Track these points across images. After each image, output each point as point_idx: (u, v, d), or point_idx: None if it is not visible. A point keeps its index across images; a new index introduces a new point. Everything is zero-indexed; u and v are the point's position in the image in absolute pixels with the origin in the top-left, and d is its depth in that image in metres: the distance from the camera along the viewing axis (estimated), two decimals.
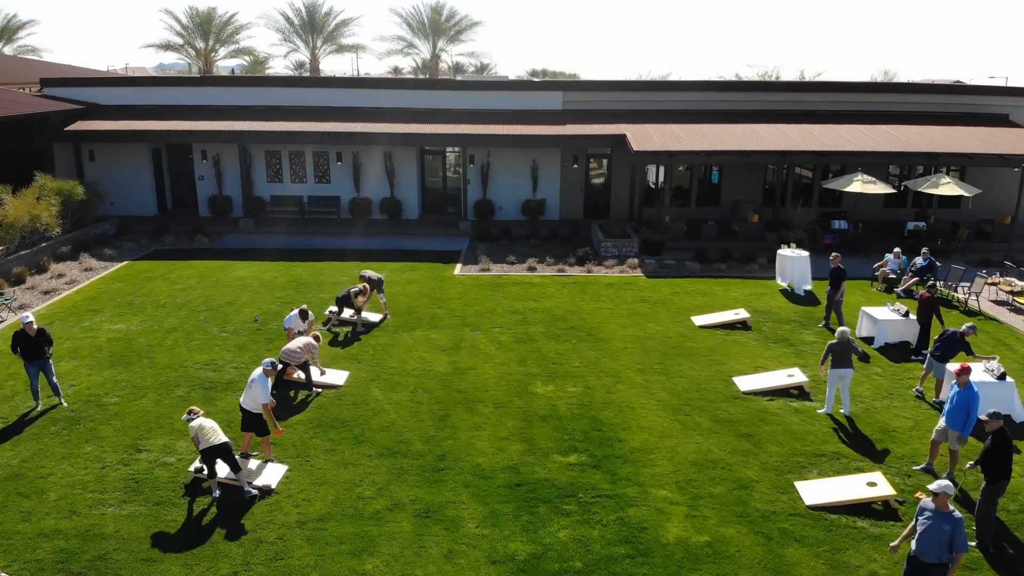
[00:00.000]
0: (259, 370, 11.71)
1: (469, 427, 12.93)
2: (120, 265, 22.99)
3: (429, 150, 29.70)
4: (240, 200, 28.92)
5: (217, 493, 10.99)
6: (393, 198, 29.02)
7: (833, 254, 17.84)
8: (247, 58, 61.84)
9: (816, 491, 11.24)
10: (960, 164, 27.49)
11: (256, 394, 11.57)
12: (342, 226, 27.99)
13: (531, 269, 22.41)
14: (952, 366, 13.67)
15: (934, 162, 26.06)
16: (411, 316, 18.43)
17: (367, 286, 17.73)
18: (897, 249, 21.80)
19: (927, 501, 8.70)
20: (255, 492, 11.02)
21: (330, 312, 17.86)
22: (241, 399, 11.78)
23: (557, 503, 10.83)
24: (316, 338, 14.72)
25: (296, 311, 15.54)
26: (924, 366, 14.63)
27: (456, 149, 29.23)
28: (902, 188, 29.08)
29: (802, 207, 25.48)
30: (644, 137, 25.79)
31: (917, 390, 14.60)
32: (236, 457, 10.99)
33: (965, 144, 25.83)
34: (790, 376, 14.73)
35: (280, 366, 13.49)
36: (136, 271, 22.34)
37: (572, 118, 28.16)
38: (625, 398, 14.13)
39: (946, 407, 11.69)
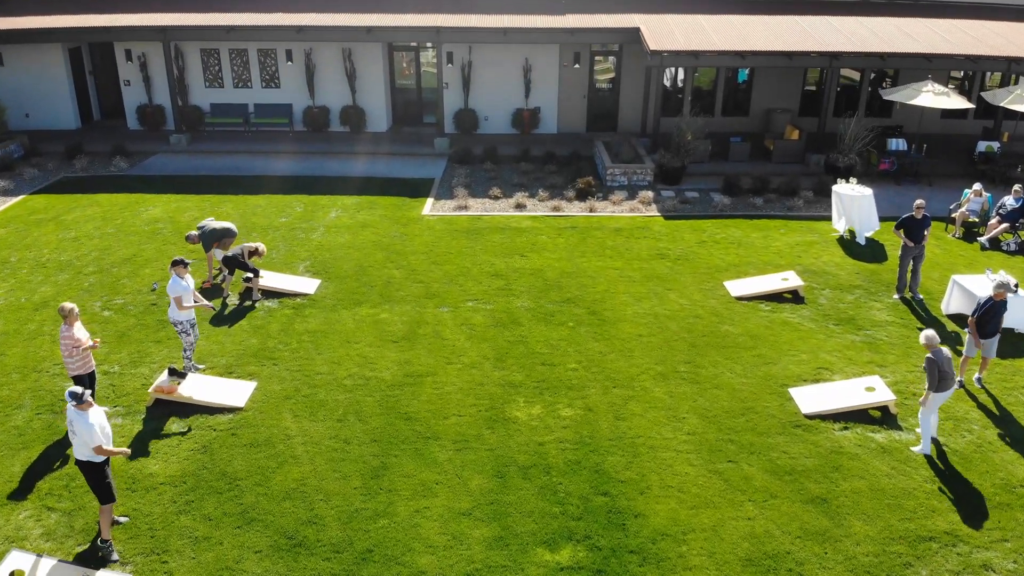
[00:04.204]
0: (70, 405, 7.75)
1: (414, 491, 8.88)
2: (13, 202, 18.44)
3: (399, 46, 24.52)
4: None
5: None
6: (355, 106, 24.05)
7: (918, 201, 13.32)
8: None
9: None
10: None
11: (82, 438, 7.73)
12: (294, 142, 23.20)
13: (519, 207, 17.89)
14: None
15: (1015, 69, 21.07)
16: (358, 282, 14.10)
17: (262, 246, 13.45)
18: (978, 185, 17.13)
19: None
20: None
21: (245, 280, 13.59)
22: (74, 447, 7.87)
23: None
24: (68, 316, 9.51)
25: (172, 274, 10.65)
26: (965, 351, 11.13)
27: (431, 45, 24.06)
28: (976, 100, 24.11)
29: (854, 121, 20.51)
30: (663, 32, 20.67)
31: (959, 380, 11.13)
32: None
33: None
34: (870, 391, 10.59)
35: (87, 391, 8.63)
36: (28, 211, 17.85)
37: (574, 6, 22.86)
38: (641, 428, 10.04)
39: None
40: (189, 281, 10.78)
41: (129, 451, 8.56)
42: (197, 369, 11.13)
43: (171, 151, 22.52)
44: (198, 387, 10.45)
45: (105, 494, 7.96)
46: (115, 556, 7.94)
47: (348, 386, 10.83)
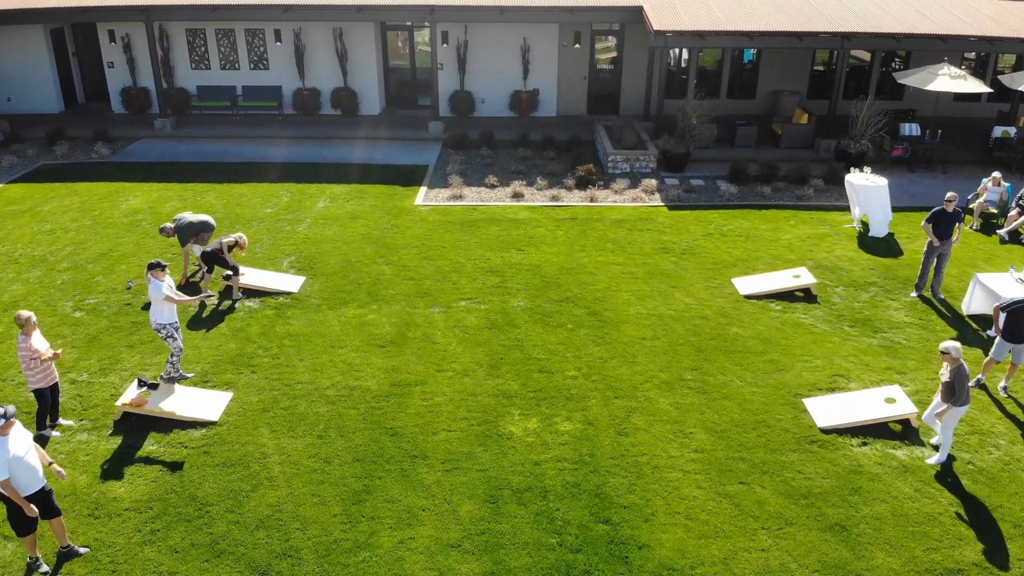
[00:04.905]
0: None
1: (399, 518, 8.20)
2: None
3: (392, 25, 23.58)
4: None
5: None
6: (347, 88, 23.16)
7: (949, 193, 12.48)
8: None
9: None
10: None
11: None
12: (284, 126, 22.36)
13: (517, 196, 17.09)
14: None
15: None
16: (345, 279, 13.35)
17: (243, 237, 12.64)
18: (996, 174, 16.31)
19: None
20: None
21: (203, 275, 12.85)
22: None
23: None
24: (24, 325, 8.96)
25: (151, 278, 9.93)
26: (992, 354, 10.39)
27: (426, 24, 23.11)
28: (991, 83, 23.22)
29: (866, 105, 19.60)
30: (667, 10, 19.76)
31: (980, 378, 10.65)
32: None
33: None
34: (890, 402, 9.88)
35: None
36: (4, 201, 17.06)
37: None
38: (645, 445, 9.34)
39: None
40: (169, 282, 10.06)
41: (36, 512, 7.11)
42: (185, 378, 10.42)
43: (156, 136, 21.66)
44: (170, 399, 9.75)
45: (21, 527, 7.24)
46: (43, 567, 7.46)
47: (331, 397, 10.12)
